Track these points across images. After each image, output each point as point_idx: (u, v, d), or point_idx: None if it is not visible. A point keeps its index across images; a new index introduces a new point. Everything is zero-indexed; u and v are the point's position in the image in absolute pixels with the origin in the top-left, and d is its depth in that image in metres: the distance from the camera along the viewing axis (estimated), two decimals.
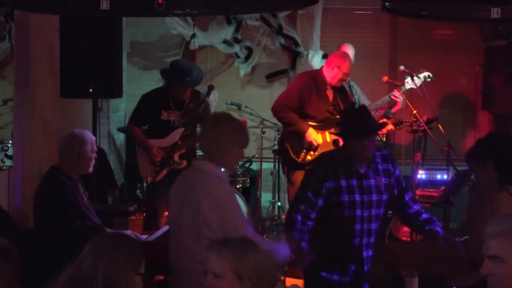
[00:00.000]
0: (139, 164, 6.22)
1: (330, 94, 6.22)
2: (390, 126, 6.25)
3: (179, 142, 5.74)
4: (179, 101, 6.09)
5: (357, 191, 4.03)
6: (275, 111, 6.25)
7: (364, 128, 3.98)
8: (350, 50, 6.93)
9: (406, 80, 6.60)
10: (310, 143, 6.13)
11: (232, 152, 3.69)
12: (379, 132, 6.09)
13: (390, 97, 6.62)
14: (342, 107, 6.13)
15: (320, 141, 6.13)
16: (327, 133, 6.16)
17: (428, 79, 6.64)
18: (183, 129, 5.97)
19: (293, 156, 6.24)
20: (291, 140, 6.25)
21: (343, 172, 4.04)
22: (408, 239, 6.44)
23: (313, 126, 6.14)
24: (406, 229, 6.61)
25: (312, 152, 6.16)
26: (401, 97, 6.51)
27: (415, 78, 6.59)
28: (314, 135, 6.12)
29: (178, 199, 3.61)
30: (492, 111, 7.58)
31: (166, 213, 6.26)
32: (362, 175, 4.06)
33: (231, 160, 3.72)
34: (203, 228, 3.54)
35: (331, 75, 6.14)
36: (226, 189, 3.64)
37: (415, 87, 6.56)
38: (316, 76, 6.24)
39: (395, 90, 6.55)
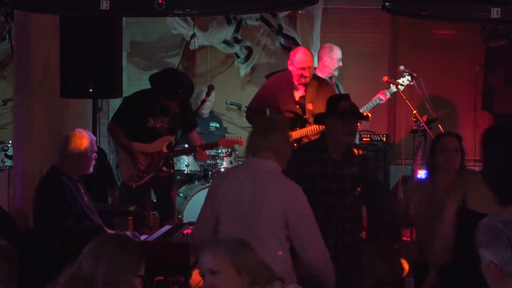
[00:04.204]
0: (120, 166, 6.13)
1: (298, 93, 6.03)
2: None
3: (169, 152, 5.71)
4: (166, 107, 5.93)
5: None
6: (246, 113, 6.32)
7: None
8: (336, 50, 6.90)
9: (390, 85, 6.57)
10: None
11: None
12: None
13: (380, 100, 6.60)
14: (307, 106, 5.95)
15: None
16: (290, 133, 5.99)
17: (411, 83, 6.62)
18: (169, 136, 5.94)
19: None
20: None
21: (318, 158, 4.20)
22: (408, 239, 6.43)
23: None
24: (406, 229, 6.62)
25: None
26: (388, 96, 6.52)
27: (401, 81, 6.55)
28: None
29: (244, 200, 3.57)
30: (492, 111, 7.58)
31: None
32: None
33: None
34: (280, 228, 3.56)
35: (293, 74, 6.01)
36: (300, 189, 3.66)
37: (399, 91, 6.57)
38: (284, 77, 6.14)
39: (381, 93, 6.54)
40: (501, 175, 3.72)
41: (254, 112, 6.13)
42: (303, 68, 5.91)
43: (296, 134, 5.97)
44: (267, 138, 3.63)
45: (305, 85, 6.00)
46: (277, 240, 3.56)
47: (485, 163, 3.88)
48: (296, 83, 5.99)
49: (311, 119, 5.91)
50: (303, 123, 5.99)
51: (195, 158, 6.46)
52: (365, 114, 5.86)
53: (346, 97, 4.39)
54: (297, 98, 6.04)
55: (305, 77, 5.93)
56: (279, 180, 3.61)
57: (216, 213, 3.61)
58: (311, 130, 5.92)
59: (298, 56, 5.95)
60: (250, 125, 6.35)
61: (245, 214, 3.53)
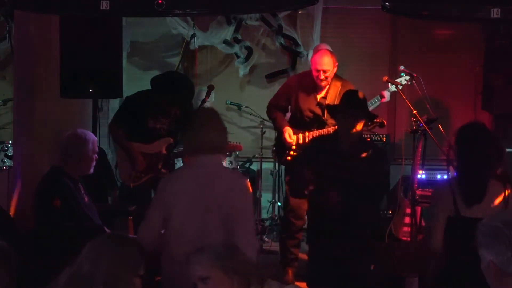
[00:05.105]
0: (119, 166, 6.12)
1: (319, 94, 6.02)
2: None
3: (168, 154, 5.71)
4: (167, 109, 5.90)
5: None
6: (267, 109, 6.28)
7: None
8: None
9: (388, 84, 6.55)
10: (286, 140, 6.01)
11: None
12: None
13: (380, 98, 6.56)
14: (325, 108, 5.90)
15: (294, 138, 5.98)
16: (306, 133, 5.99)
17: (409, 83, 6.60)
18: (169, 138, 5.93)
19: (277, 156, 6.27)
20: (278, 141, 6.24)
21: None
22: (408, 239, 6.44)
23: (293, 126, 6.05)
24: (406, 229, 6.62)
25: (291, 152, 6.01)
26: (388, 94, 6.48)
27: (399, 80, 6.52)
28: (288, 133, 6.00)
29: (195, 199, 3.61)
30: (492, 111, 7.58)
31: None
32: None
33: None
34: (229, 221, 3.58)
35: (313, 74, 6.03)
36: (245, 182, 3.77)
37: (397, 90, 6.54)
38: (306, 76, 6.12)
39: (382, 92, 6.50)
40: (472, 174, 3.73)
41: (275, 109, 6.14)
42: (318, 70, 5.88)
43: (312, 135, 5.97)
44: (201, 135, 3.66)
45: (324, 87, 5.95)
46: (228, 234, 3.59)
47: (458, 162, 3.86)
48: (317, 82, 5.95)
49: (330, 121, 5.91)
50: (321, 125, 5.97)
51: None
52: (380, 120, 5.86)
53: (354, 91, 4.48)
54: (318, 99, 6.02)
55: (320, 79, 5.88)
56: (224, 174, 3.70)
57: (166, 216, 3.63)
58: (327, 132, 5.89)
59: (315, 57, 5.96)
60: (270, 121, 6.40)
61: (198, 213, 3.57)
